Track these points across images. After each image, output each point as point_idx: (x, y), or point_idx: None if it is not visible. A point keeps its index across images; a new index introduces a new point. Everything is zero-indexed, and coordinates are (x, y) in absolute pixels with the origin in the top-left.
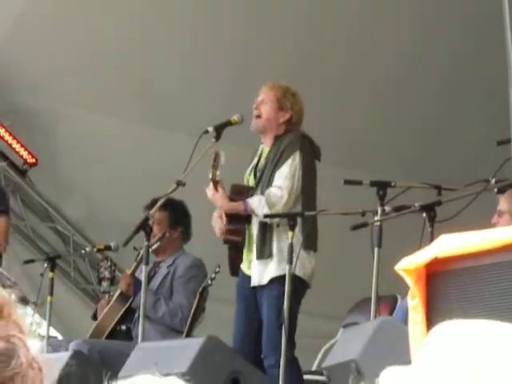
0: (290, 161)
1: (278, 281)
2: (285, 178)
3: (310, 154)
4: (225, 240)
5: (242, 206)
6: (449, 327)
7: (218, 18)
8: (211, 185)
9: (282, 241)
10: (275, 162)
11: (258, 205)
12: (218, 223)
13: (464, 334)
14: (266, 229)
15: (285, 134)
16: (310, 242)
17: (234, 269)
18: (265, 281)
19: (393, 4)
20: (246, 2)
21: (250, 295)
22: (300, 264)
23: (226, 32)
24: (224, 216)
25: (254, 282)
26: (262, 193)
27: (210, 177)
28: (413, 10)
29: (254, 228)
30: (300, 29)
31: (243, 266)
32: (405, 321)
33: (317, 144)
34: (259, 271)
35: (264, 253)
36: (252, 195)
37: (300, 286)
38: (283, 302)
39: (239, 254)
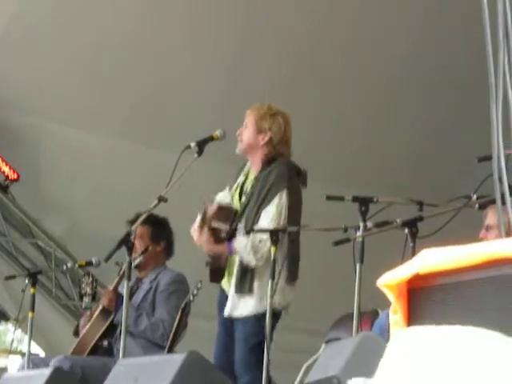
0: (276, 200)
1: (255, 317)
2: (271, 219)
3: (297, 186)
4: (207, 263)
5: (227, 249)
6: (406, 336)
7: (205, 40)
8: (196, 225)
9: (263, 277)
10: (262, 197)
11: (243, 250)
12: (197, 237)
13: (419, 340)
14: (246, 266)
15: (272, 159)
16: (293, 273)
17: (214, 275)
18: (237, 314)
19: (381, 32)
20: (237, 19)
21: (228, 318)
22: (280, 296)
23: (214, 48)
24: (198, 228)
25: (227, 313)
26: (247, 223)
27: (197, 225)
28: (400, 40)
29: (236, 259)
30: (285, 54)
31: (224, 285)
32: (381, 336)
33: (304, 170)
34: (233, 303)
35: (244, 288)
36: (237, 224)
37: (276, 317)
38: (257, 339)
39: (220, 275)
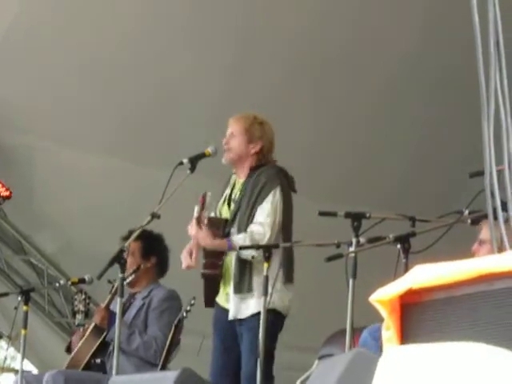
0: (270, 197)
1: (258, 316)
2: (267, 214)
3: (288, 187)
4: (203, 274)
5: (227, 244)
6: (397, 353)
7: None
8: (194, 222)
9: (261, 275)
10: (255, 197)
11: (242, 244)
12: (186, 259)
13: (411, 358)
14: (245, 263)
15: (259, 167)
16: (288, 275)
17: (209, 301)
18: (243, 315)
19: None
20: (237, 20)
21: (226, 328)
22: (278, 297)
23: (204, 63)
24: (194, 253)
25: (231, 316)
26: (241, 227)
27: (195, 215)
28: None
29: (231, 261)
30: (272, 65)
31: (219, 299)
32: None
33: (291, 176)
34: (236, 305)
35: (243, 287)
36: (229, 229)
37: (279, 319)
38: (262, 337)
39: (216, 286)
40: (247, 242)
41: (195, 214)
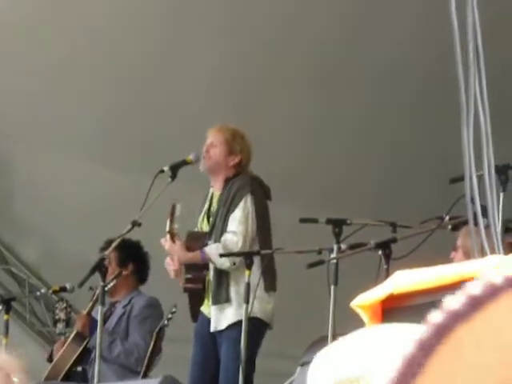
0: (241, 204)
1: (238, 325)
2: (238, 222)
3: (261, 194)
4: (185, 289)
5: (200, 256)
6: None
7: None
8: (168, 236)
9: (239, 284)
10: (227, 206)
11: (215, 253)
12: (170, 265)
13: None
14: (221, 273)
15: (234, 177)
16: (270, 283)
17: (196, 315)
18: (222, 326)
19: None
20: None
21: (207, 338)
22: (260, 305)
23: (185, 68)
24: (176, 261)
25: (212, 328)
26: (216, 237)
27: (167, 229)
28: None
29: (211, 274)
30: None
31: (204, 309)
32: None
33: (266, 184)
34: (216, 316)
35: (220, 297)
36: (207, 242)
37: (260, 327)
38: (244, 344)
39: (200, 300)
40: (220, 252)
41: (167, 228)
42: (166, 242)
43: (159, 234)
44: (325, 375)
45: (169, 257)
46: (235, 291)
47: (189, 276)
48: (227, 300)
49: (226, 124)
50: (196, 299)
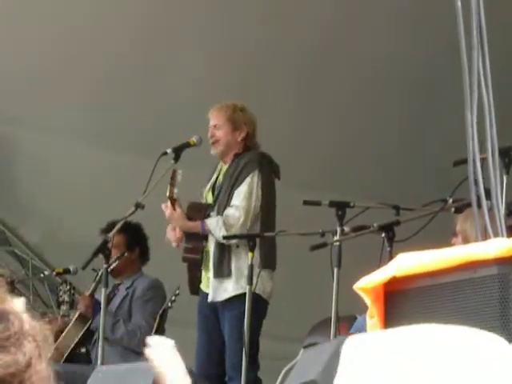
0: (248, 180)
1: (237, 299)
2: (243, 197)
3: (269, 172)
4: (184, 258)
5: (200, 226)
6: (357, 341)
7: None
8: (169, 203)
9: (239, 259)
10: (233, 180)
11: (215, 226)
12: (171, 235)
13: (372, 344)
14: (223, 248)
15: (244, 152)
16: (270, 261)
17: (194, 287)
18: (221, 298)
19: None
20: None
21: (210, 315)
22: (260, 283)
23: (183, 60)
24: (178, 229)
25: (210, 298)
26: (219, 211)
27: (168, 195)
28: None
29: (211, 246)
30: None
31: (203, 285)
32: None
33: (276, 162)
34: (215, 287)
35: (222, 272)
36: (209, 213)
37: (261, 304)
38: (244, 321)
39: (198, 272)
40: (220, 225)
41: (168, 194)
42: (166, 209)
43: (161, 216)
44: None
45: (170, 225)
46: (235, 266)
47: (188, 246)
48: (229, 274)
49: (224, 101)
50: (195, 270)
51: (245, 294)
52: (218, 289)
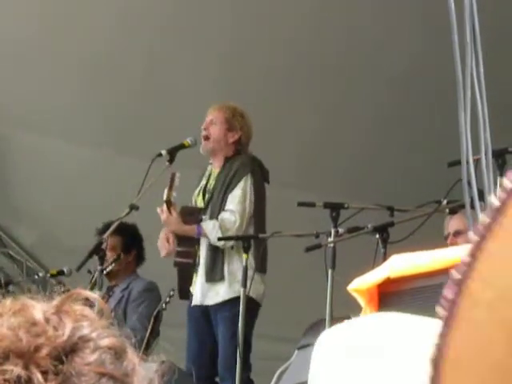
0: (241, 184)
1: (230, 303)
2: (238, 201)
3: (260, 176)
4: (175, 263)
5: (196, 230)
6: (328, 334)
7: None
8: (164, 207)
9: (232, 263)
10: (227, 184)
11: (211, 230)
12: (164, 245)
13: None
14: (216, 252)
15: (235, 156)
16: (262, 265)
17: (183, 292)
18: (212, 301)
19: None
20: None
21: (200, 317)
22: (253, 286)
23: (179, 53)
24: (171, 238)
25: (198, 302)
26: (213, 214)
27: (165, 198)
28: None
29: (202, 250)
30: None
31: (193, 289)
32: None
33: (265, 167)
34: (205, 291)
35: (215, 275)
36: (202, 217)
37: (254, 307)
38: (237, 324)
39: (189, 276)
40: (216, 229)
41: (165, 197)
42: (162, 212)
43: (156, 217)
44: (335, 345)
45: (163, 234)
46: (228, 270)
47: (180, 249)
48: (221, 278)
49: (227, 102)
50: (185, 274)
51: (237, 297)
52: (209, 292)
